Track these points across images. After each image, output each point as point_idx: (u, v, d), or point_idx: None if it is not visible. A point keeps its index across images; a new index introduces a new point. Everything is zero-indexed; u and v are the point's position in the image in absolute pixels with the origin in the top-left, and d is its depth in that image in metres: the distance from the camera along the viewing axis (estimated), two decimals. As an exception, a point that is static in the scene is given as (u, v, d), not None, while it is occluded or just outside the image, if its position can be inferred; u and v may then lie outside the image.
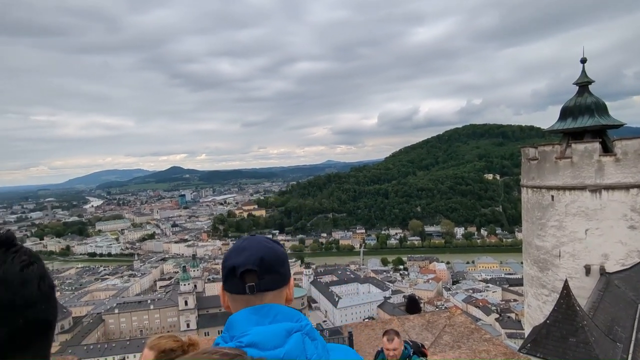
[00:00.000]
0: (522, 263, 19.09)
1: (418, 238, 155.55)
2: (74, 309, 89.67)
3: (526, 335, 13.96)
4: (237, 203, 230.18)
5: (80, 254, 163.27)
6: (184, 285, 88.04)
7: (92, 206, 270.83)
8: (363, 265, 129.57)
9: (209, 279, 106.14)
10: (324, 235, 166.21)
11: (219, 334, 1.30)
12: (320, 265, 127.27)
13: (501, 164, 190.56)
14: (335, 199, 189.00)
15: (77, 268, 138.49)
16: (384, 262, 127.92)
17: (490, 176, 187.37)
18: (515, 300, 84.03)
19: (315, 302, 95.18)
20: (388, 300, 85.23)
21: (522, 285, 21.31)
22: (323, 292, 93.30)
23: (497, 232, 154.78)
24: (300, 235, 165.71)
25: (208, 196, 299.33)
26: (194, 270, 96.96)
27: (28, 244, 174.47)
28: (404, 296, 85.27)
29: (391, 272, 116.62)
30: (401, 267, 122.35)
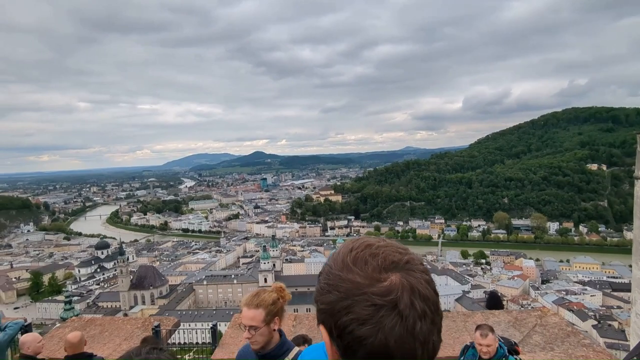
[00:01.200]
0: (630, 266, 16.40)
1: (503, 231, 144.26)
2: (170, 278, 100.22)
3: (631, 348, 11.91)
4: (314, 188, 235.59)
5: (176, 229, 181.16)
6: (264, 263, 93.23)
7: (186, 186, 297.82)
8: (441, 256, 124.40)
9: (286, 260, 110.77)
10: (401, 223, 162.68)
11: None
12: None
13: (609, 153, 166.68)
14: (413, 186, 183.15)
15: (173, 242, 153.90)
16: (464, 255, 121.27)
17: (594, 166, 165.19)
18: (619, 307, 74.02)
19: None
20: (467, 295, 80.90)
21: (628, 290, 18.37)
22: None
23: (600, 229, 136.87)
24: (376, 222, 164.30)
25: (287, 180, 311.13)
26: (273, 250, 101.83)
27: (134, 218, 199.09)
28: (484, 292, 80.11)
29: (471, 266, 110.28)
30: (483, 261, 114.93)
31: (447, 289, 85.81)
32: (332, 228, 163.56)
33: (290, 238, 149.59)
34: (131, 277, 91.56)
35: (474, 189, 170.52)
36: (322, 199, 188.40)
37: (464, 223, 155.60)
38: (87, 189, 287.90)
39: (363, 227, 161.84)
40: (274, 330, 2.34)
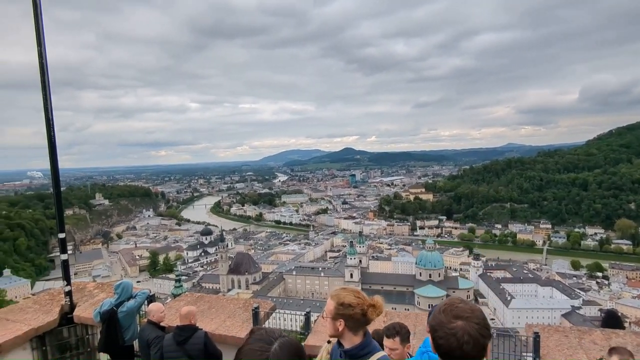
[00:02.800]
0: None
1: (628, 242, 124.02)
2: (263, 266, 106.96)
3: None
4: (404, 185, 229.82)
5: (269, 221, 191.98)
6: (351, 259, 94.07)
7: (280, 181, 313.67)
8: (545, 265, 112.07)
9: (373, 257, 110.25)
10: (499, 226, 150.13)
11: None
12: (492, 259, 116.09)
13: None
14: (515, 187, 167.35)
15: (267, 232, 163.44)
16: (575, 266, 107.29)
17: None
18: None
19: (482, 297, 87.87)
20: (577, 311, 71.61)
21: None
22: (493, 288, 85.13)
23: None
24: (470, 224, 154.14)
25: (376, 177, 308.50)
26: (360, 246, 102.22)
27: (234, 208, 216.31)
28: (600, 309, 69.95)
29: (584, 279, 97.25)
30: (599, 274, 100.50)
31: (551, 302, 77.13)
32: (422, 227, 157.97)
33: (378, 235, 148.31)
34: (229, 263, 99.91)
35: (591, 192, 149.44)
36: (411, 197, 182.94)
37: (576, 230, 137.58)
38: (195, 181, 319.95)
39: (456, 228, 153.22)
40: (339, 329, 2.32)
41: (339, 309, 2.29)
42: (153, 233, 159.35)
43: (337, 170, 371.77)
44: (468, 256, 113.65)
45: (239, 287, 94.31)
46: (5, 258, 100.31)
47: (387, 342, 3.34)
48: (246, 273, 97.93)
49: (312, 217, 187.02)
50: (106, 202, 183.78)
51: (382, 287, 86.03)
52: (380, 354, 2.38)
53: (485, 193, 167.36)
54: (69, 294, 6.24)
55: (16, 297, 76.65)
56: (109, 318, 5.46)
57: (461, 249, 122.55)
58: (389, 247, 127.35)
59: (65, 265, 6.03)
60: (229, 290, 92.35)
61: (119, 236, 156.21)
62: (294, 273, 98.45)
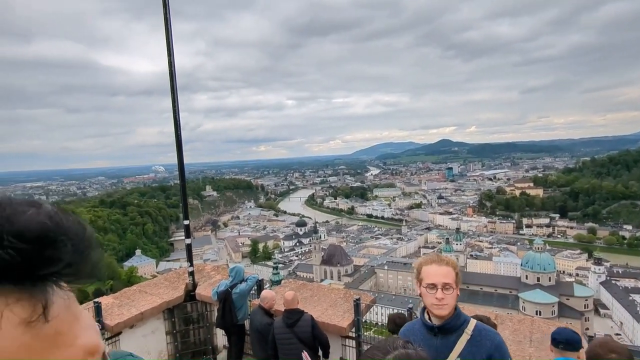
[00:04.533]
0: None
1: None
2: (354, 259, 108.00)
3: None
4: (508, 179, 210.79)
5: (361, 214, 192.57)
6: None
7: (372, 174, 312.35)
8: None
9: (471, 255, 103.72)
10: (628, 227, 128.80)
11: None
12: (618, 265, 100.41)
13: None
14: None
15: (358, 225, 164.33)
16: None
17: None
18: None
19: (605, 308, 76.69)
20: None
21: None
22: (619, 299, 73.66)
23: None
24: (590, 224, 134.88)
25: (476, 170, 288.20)
26: (456, 244, 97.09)
27: (327, 201, 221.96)
28: None
29: None
30: None
31: (702, 321, 64.04)
32: (529, 226, 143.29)
33: (477, 233, 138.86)
34: (322, 254, 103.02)
35: None
36: (517, 192, 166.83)
37: None
38: (291, 175, 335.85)
39: (571, 227, 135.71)
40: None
41: (458, 272, 2.15)
42: (254, 223, 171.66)
43: (432, 163, 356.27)
44: (587, 260, 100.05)
45: (331, 278, 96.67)
46: (137, 240, 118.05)
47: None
48: (338, 265, 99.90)
49: (405, 211, 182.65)
50: (214, 193, 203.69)
51: (481, 289, 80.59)
52: (474, 321, 2.20)
53: (610, 188, 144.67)
54: (191, 274, 7.09)
55: (145, 273, 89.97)
56: (225, 298, 6.06)
57: (578, 251, 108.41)
58: (490, 245, 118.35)
59: (189, 248, 6.86)
60: (321, 280, 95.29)
61: (225, 225, 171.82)
62: (386, 268, 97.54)
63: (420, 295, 2.27)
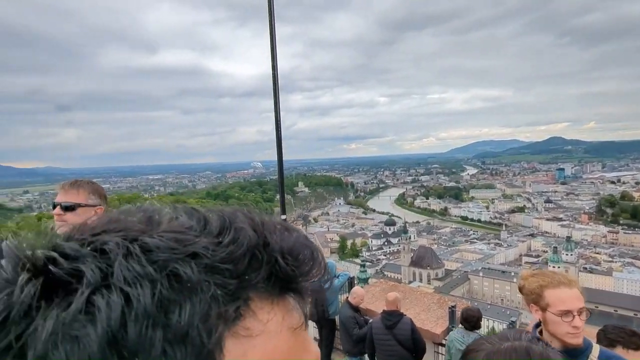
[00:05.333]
0: None
1: None
2: (446, 262, 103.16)
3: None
4: (636, 183, 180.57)
5: (455, 216, 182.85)
6: (553, 267, 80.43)
7: (468, 174, 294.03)
8: None
9: (584, 268, 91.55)
10: None
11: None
12: None
13: None
14: None
15: (451, 228, 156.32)
16: None
17: None
18: None
19: None
20: None
21: None
22: None
23: None
24: None
25: (595, 172, 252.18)
26: (566, 254, 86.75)
27: (417, 201, 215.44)
28: None
29: None
30: None
31: None
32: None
33: (593, 243, 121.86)
34: (412, 255, 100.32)
35: None
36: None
37: None
38: (381, 173, 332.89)
39: None
40: None
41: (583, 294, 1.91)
42: (343, 219, 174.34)
43: (539, 163, 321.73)
44: None
45: (420, 280, 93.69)
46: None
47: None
48: (428, 267, 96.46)
49: (505, 215, 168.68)
50: (306, 189, 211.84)
51: (596, 307, 70.43)
52: (598, 346, 1.96)
53: None
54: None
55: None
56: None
57: None
58: (610, 259, 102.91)
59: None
60: (410, 282, 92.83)
61: (315, 220, 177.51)
62: (481, 274, 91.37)
63: (541, 321, 1.96)
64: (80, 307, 0.30)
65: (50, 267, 0.33)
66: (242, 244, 0.39)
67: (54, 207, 2.40)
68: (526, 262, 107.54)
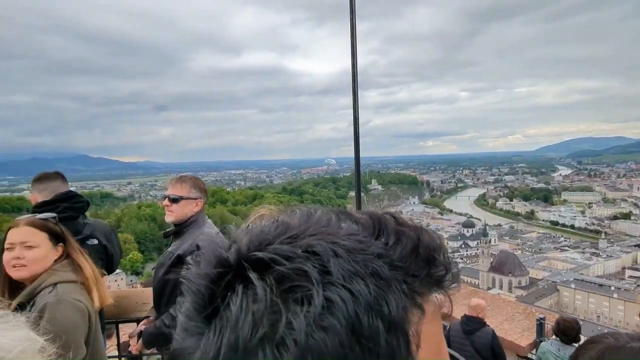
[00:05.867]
0: None
1: None
2: (531, 270, 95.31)
3: None
4: None
5: (543, 220, 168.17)
6: (667, 284, 70.12)
7: (560, 175, 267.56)
8: None
9: None
10: None
11: None
12: None
13: None
14: None
15: (538, 233, 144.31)
16: None
17: None
18: None
19: None
20: None
21: None
22: None
23: None
24: None
25: None
26: (684, 271, 74.52)
27: (500, 202, 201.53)
28: None
29: None
30: None
31: None
32: None
33: None
34: (491, 260, 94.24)
35: None
36: None
37: None
38: (460, 172, 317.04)
39: None
40: None
41: None
42: (417, 219, 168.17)
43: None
44: None
45: (500, 287, 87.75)
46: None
47: None
48: (510, 274, 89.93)
49: (605, 222, 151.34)
50: (379, 187, 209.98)
51: None
52: None
53: None
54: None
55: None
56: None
57: None
58: None
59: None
60: (488, 288, 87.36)
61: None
62: (573, 286, 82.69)
63: None
64: (323, 303, 0.35)
65: (277, 267, 0.37)
66: (406, 244, 0.43)
67: (164, 198, 2.80)
68: (630, 277, 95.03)
